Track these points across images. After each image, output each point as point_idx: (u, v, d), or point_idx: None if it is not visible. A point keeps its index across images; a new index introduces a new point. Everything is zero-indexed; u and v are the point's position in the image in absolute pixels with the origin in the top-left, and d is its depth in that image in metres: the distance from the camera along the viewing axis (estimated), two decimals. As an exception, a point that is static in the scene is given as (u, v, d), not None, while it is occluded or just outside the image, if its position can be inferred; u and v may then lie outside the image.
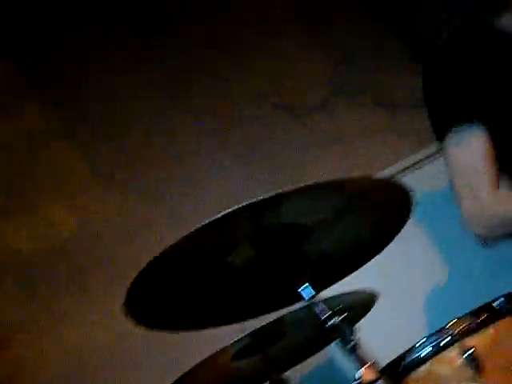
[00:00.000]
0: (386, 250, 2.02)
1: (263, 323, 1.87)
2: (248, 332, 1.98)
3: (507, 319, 1.80)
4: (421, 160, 3.19)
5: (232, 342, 1.85)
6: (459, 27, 2.40)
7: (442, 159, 2.41)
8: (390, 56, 3.48)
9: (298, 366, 2.23)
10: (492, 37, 2.34)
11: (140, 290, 1.78)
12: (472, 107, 2.24)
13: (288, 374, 2.17)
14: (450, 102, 2.27)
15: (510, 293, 1.83)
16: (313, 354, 2.25)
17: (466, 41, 2.35)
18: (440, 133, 2.30)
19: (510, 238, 2.29)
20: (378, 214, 1.89)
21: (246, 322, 2.01)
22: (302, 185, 1.67)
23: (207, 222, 1.66)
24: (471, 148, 2.24)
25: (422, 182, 2.93)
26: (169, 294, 1.87)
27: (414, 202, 1.89)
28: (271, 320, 1.92)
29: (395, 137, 3.38)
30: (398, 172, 3.10)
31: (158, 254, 1.71)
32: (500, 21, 2.33)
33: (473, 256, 2.50)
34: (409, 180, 1.90)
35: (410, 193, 1.86)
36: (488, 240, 2.30)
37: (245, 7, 3.50)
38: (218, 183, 3.21)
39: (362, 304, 2.07)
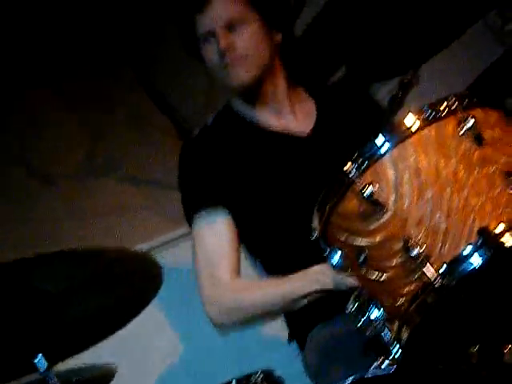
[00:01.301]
0: (131, 325, 2.01)
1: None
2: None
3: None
4: (175, 238, 3.24)
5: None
6: (216, 116, 2.51)
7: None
8: (153, 132, 3.52)
9: None
10: (244, 128, 2.45)
11: None
12: (218, 194, 2.35)
13: None
14: (198, 188, 2.38)
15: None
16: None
17: (219, 130, 2.47)
18: (189, 217, 2.39)
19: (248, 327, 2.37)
20: (126, 288, 1.88)
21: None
22: (48, 252, 1.65)
23: None
24: (215, 234, 2.33)
25: (175, 260, 2.96)
26: None
27: (163, 279, 1.91)
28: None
29: (151, 213, 3.40)
30: (152, 249, 3.12)
31: None
32: (251, 114, 2.45)
33: (214, 337, 2.55)
34: (162, 257, 1.92)
35: (160, 269, 1.87)
36: (227, 328, 2.36)
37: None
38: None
39: (98, 379, 2.03)
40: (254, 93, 2.42)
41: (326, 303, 2.25)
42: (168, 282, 1.97)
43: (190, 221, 2.39)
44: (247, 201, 2.36)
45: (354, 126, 2.39)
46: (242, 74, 2.35)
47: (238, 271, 2.33)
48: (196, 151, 2.45)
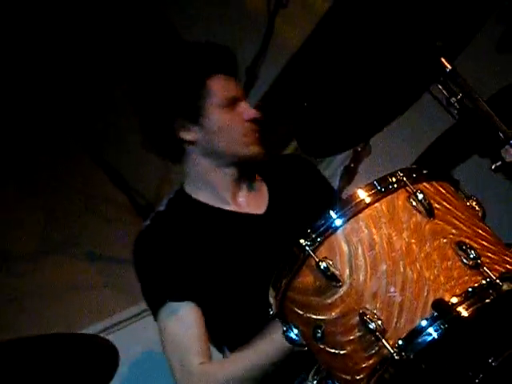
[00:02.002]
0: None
1: None
2: None
3: None
4: (133, 316, 3.20)
5: None
6: (169, 201, 2.49)
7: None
8: (109, 208, 3.51)
9: None
10: (199, 210, 2.44)
11: None
12: (180, 284, 2.32)
13: None
14: (159, 281, 2.35)
15: None
16: None
17: (173, 215, 2.44)
18: (153, 308, 2.36)
19: None
20: (80, 373, 1.85)
21: None
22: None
23: None
24: (181, 322, 2.30)
25: (132, 338, 2.93)
26: None
27: (118, 361, 1.89)
28: None
29: (107, 291, 3.37)
30: (108, 327, 3.08)
31: None
32: (206, 197, 2.44)
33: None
34: (118, 336, 1.91)
35: (115, 351, 1.86)
36: None
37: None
38: None
39: None
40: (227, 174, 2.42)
41: (286, 373, 2.24)
42: (126, 361, 1.95)
43: (154, 312, 2.36)
44: (208, 282, 2.34)
45: (305, 202, 2.42)
46: (260, 146, 2.40)
47: (208, 355, 2.30)
48: (151, 241, 2.40)
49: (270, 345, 2.16)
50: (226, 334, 2.38)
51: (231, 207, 2.45)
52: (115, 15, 3.65)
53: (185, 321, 2.30)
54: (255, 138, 2.40)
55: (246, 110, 2.39)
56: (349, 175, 2.76)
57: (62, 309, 3.24)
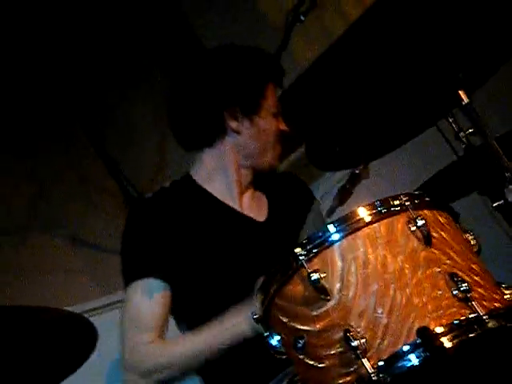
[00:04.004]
0: None
1: None
2: None
3: None
4: (107, 304, 3.19)
5: None
6: (175, 182, 2.53)
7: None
8: (100, 195, 3.50)
9: None
10: (203, 199, 2.47)
11: None
12: (162, 264, 2.33)
13: None
14: (143, 254, 2.36)
15: None
16: None
17: (176, 194, 2.47)
18: (129, 278, 2.36)
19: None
20: (59, 348, 1.84)
21: None
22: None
23: None
24: (150, 300, 2.31)
25: (109, 325, 2.92)
26: None
27: (97, 341, 1.88)
28: None
29: (86, 277, 3.35)
30: (86, 311, 3.07)
31: None
32: (213, 190, 2.48)
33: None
34: (95, 321, 1.91)
35: (95, 331, 1.85)
36: None
37: None
38: None
39: None
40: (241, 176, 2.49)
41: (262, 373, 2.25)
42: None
43: (126, 282, 2.36)
44: (194, 271, 2.35)
45: (300, 220, 2.49)
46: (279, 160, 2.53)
47: (162, 336, 2.32)
48: (149, 212, 2.42)
49: (229, 336, 2.20)
50: (193, 323, 2.36)
51: (236, 206, 2.48)
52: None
53: (154, 300, 2.31)
54: (280, 151, 2.51)
55: (282, 123, 2.49)
56: (343, 196, 2.77)
57: (39, 289, 3.21)
